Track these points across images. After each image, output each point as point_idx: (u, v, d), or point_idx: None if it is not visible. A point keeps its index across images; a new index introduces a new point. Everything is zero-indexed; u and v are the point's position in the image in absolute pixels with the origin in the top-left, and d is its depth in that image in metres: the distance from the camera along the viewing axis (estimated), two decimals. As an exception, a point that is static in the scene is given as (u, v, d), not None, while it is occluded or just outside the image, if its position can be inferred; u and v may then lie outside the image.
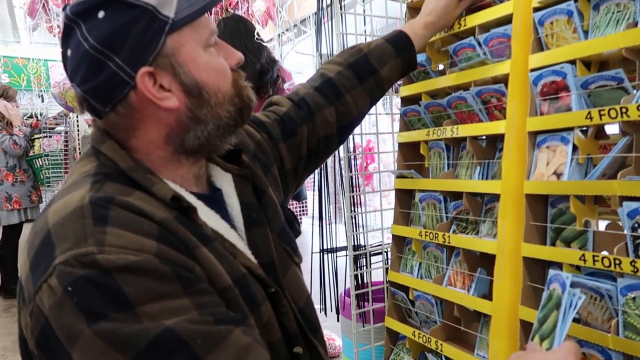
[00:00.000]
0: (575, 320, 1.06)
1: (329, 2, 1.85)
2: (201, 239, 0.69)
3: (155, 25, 0.68)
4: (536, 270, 1.16)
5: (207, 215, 0.75)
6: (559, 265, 1.13)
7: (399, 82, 1.78)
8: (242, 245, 0.78)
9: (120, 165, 0.72)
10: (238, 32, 1.85)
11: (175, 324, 0.58)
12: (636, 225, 0.95)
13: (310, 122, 1.05)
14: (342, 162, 1.82)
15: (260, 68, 1.90)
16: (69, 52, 0.70)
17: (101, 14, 0.67)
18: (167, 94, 0.71)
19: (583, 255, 1.01)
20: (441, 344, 1.37)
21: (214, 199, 0.81)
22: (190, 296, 0.61)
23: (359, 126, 2.11)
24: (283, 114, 1.04)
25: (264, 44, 1.94)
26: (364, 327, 1.73)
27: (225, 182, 0.85)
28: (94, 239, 0.60)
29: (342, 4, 1.72)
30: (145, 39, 0.68)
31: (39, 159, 4.32)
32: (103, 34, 0.67)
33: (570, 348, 0.67)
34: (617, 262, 0.95)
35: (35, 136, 4.40)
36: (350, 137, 1.80)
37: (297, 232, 0.95)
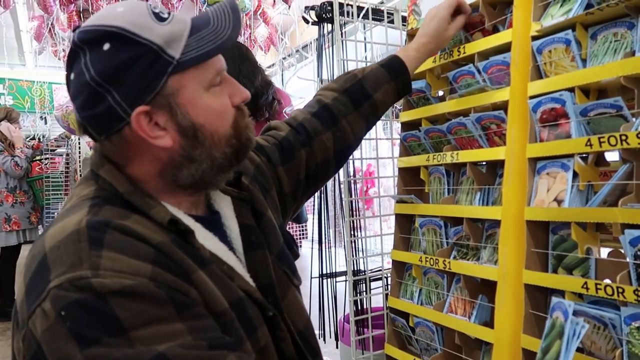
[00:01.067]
0: (578, 349, 1.04)
1: (330, 29, 1.87)
2: (198, 262, 0.69)
3: (158, 65, 0.68)
4: (538, 297, 1.15)
5: (205, 238, 0.75)
6: (561, 293, 1.12)
7: (399, 107, 1.80)
8: (240, 268, 0.77)
9: (118, 189, 0.72)
10: (233, 57, 1.86)
11: (168, 349, 0.58)
12: (639, 253, 0.94)
13: (308, 147, 1.06)
14: (342, 186, 1.82)
15: (255, 92, 1.90)
16: (72, 76, 0.70)
17: (106, 46, 0.67)
18: (161, 133, 0.71)
19: (585, 283, 1.00)
20: (442, 373, 1.34)
21: (213, 222, 0.81)
22: (185, 321, 0.61)
23: (359, 150, 2.12)
24: (282, 139, 1.05)
25: (260, 66, 1.95)
26: (363, 354, 1.70)
27: (224, 205, 0.85)
28: (89, 262, 0.60)
29: (343, 31, 1.74)
30: (147, 78, 0.68)
31: (40, 181, 4.33)
32: (105, 68, 0.67)
33: None
34: (620, 290, 0.94)
35: (37, 157, 4.42)
36: (351, 161, 1.81)
37: (296, 255, 0.95)
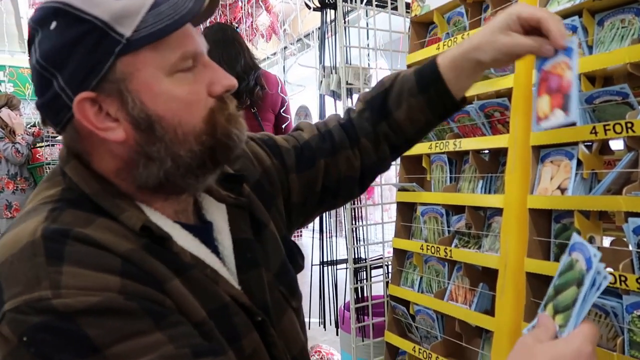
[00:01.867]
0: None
1: (332, 16, 1.86)
2: (175, 269, 0.63)
3: (105, 45, 0.59)
4: (539, 286, 1.15)
5: (186, 240, 0.68)
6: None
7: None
8: (225, 272, 0.70)
9: (84, 189, 0.64)
10: (216, 40, 1.80)
11: None
12: (641, 241, 0.93)
13: (330, 158, 0.92)
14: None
15: (235, 77, 1.87)
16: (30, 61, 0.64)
17: (53, 25, 0.60)
18: (113, 125, 0.63)
19: (587, 271, 1.00)
20: (442, 361, 1.34)
21: (203, 232, 0.72)
22: (164, 330, 0.56)
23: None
24: (304, 142, 0.92)
25: (247, 50, 1.92)
26: (363, 341, 1.71)
27: (217, 215, 0.76)
28: (48, 281, 0.53)
29: (346, 18, 1.73)
30: (91, 60, 0.59)
31: (40, 168, 4.33)
32: (49, 49, 0.60)
33: (587, 334, 0.56)
34: (623, 279, 0.93)
35: (38, 144, 4.41)
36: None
37: (299, 267, 0.87)
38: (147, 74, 0.61)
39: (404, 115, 0.89)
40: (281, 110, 2.18)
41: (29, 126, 4.81)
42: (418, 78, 0.88)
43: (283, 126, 2.22)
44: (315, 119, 4.59)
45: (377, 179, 2.41)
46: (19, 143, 4.06)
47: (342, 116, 0.97)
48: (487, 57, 0.79)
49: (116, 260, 0.57)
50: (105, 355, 0.52)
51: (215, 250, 0.72)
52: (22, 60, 7.82)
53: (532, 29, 0.76)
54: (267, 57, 4.93)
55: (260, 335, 0.70)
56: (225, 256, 0.73)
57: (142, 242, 0.62)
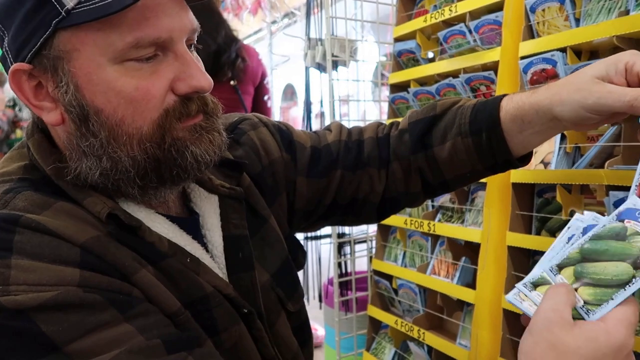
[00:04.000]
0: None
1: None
2: (147, 258, 0.57)
3: (42, 13, 0.51)
4: (520, 259, 1.16)
5: (163, 227, 0.62)
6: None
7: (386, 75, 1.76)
8: (208, 260, 0.65)
9: (44, 168, 0.57)
10: (196, 11, 1.78)
11: (115, 359, 0.48)
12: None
13: (350, 172, 0.79)
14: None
15: (217, 49, 1.81)
16: None
17: None
18: (49, 105, 0.55)
19: (568, 244, 1.01)
20: (424, 333, 1.36)
21: (187, 224, 0.65)
22: (131, 320, 0.51)
23: (346, 113, 2.09)
24: (324, 145, 0.81)
25: (225, 21, 1.88)
26: (346, 315, 1.72)
27: (207, 207, 0.68)
28: None
29: (333, -12, 1.69)
30: (28, 27, 0.52)
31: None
32: (1, 2, 0.54)
33: (632, 322, 0.45)
34: (602, 251, 0.94)
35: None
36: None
37: (300, 266, 0.81)
38: (88, 57, 0.53)
39: (445, 154, 0.75)
40: (264, 82, 2.16)
41: (9, 101, 4.69)
42: (473, 116, 0.72)
43: (265, 98, 2.20)
44: (301, 95, 4.54)
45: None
46: None
47: (383, 128, 0.84)
48: (566, 112, 0.60)
49: (74, 250, 0.52)
50: (65, 352, 0.48)
51: (201, 242, 0.66)
52: None
53: None
54: (255, 32, 4.84)
55: (247, 328, 0.66)
56: (215, 255, 0.67)
57: (109, 228, 0.56)
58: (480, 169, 0.74)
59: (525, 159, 0.73)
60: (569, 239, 0.57)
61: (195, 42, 0.61)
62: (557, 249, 0.57)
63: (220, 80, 1.90)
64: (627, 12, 0.97)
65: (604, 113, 0.58)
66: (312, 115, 2.22)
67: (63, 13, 0.51)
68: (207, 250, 0.67)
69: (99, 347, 0.49)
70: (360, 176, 0.80)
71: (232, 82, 1.97)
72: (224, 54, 1.83)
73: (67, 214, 0.55)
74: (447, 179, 0.78)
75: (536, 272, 0.56)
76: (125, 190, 0.58)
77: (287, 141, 0.80)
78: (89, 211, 0.56)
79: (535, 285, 0.54)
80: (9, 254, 0.49)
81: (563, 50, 1.06)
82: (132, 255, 0.56)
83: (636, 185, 0.54)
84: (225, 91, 1.96)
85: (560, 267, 0.53)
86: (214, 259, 0.67)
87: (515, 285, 0.57)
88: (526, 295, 0.55)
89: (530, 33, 1.15)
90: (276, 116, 4.63)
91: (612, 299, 0.47)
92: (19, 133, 4.31)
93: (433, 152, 0.76)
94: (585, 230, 0.56)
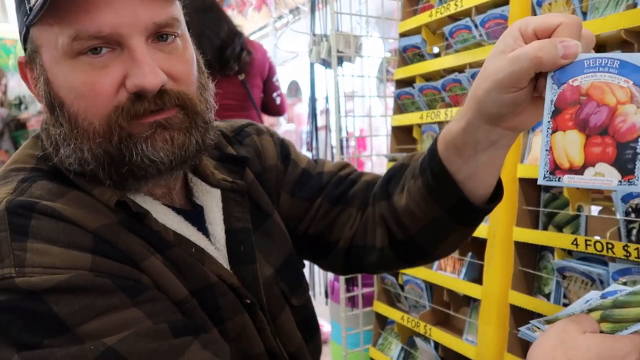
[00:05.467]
0: (564, 305, 1.05)
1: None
2: (155, 246, 0.59)
3: (22, 12, 0.55)
4: (527, 255, 1.15)
5: (168, 218, 0.63)
6: (550, 250, 1.12)
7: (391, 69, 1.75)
8: (213, 251, 0.66)
9: (54, 159, 0.59)
10: (196, 8, 1.74)
11: (120, 343, 0.49)
12: (630, 209, 0.93)
13: (330, 204, 0.77)
14: (334, 150, 1.80)
15: (221, 44, 1.82)
16: None
17: None
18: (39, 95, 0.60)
19: (575, 239, 1.00)
20: (430, 329, 1.36)
21: (191, 216, 0.66)
22: (140, 305, 0.52)
23: (351, 108, 2.08)
24: (317, 172, 0.80)
25: (227, 17, 1.88)
26: (352, 311, 1.72)
27: (210, 201, 0.69)
28: (11, 258, 0.50)
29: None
30: (19, 24, 0.57)
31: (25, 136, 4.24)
32: None
33: (637, 341, 0.48)
34: (610, 246, 0.94)
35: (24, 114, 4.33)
36: (344, 121, 1.78)
37: (302, 264, 0.82)
38: (48, 52, 0.55)
39: (403, 201, 0.69)
40: (272, 79, 2.15)
41: (14, 98, 4.71)
42: (424, 156, 0.66)
43: (274, 95, 2.19)
44: (305, 91, 4.53)
45: (367, 150, 2.38)
46: None
47: (376, 176, 0.81)
48: (489, 106, 0.53)
49: (87, 236, 0.54)
50: (76, 333, 0.49)
51: (206, 234, 0.67)
52: (4, 31, 7.61)
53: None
54: (259, 29, 4.84)
55: (251, 319, 0.66)
56: (218, 248, 0.68)
57: (119, 217, 0.58)
58: (440, 216, 0.65)
59: (496, 198, 0.64)
60: (587, 301, 0.58)
61: (180, 32, 0.59)
62: (572, 308, 0.58)
63: (228, 75, 1.89)
64: (634, 5, 0.96)
65: (520, 82, 0.51)
66: (317, 112, 2.22)
67: (27, 10, 0.54)
68: (211, 242, 0.68)
69: (108, 329, 0.50)
70: (338, 212, 0.77)
71: (240, 77, 1.96)
72: (228, 48, 1.83)
73: (80, 202, 0.57)
74: (412, 233, 0.70)
75: (552, 316, 0.57)
76: (98, 179, 0.59)
77: (285, 154, 0.81)
78: (99, 200, 0.58)
79: (549, 322, 0.55)
80: (25, 238, 0.51)
81: (570, 44, 1.05)
82: (141, 243, 0.58)
83: None
84: (233, 85, 1.96)
85: (591, 310, 0.54)
86: (217, 251, 0.68)
87: (530, 321, 0.58)
88: (539, 329, 0.56)
89: (537, 27, 1.14)
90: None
91: (627, 329, 0.49)
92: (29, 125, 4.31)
93: (393, 200, 0.71)
94: (603, 296, 0.57)
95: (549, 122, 0.50)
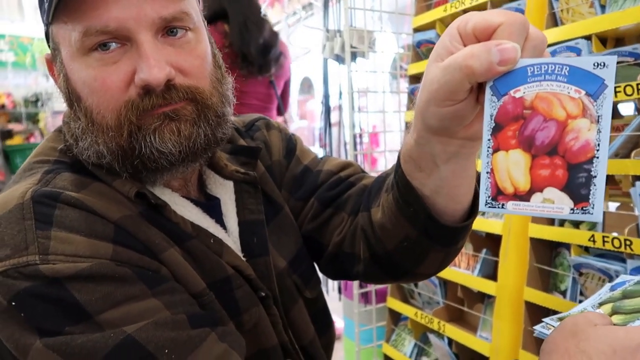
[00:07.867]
0: (580, 302, 1.04)
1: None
2: (174, 238, 0.60)
3: (44, 9, 0.57)
4: (543, 251, 1.14)
5: (186, 209, 0.64)
6: (567, 247, 1.11)
7: (405, 66, 1.74)
8: (230, 242, 0.66)
9: (74, 151, 0.61)
10: (234, 5, 1.63)
11: (139, 331, 0.50)
12: (648, 205, 0.92)
13: (322, 206, 0.75)
14: (347, 146, 1.79)
15: (264, 43, 1.70)
16: None
17: None
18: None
19: (592, 236, 0.99)
20: (444, 325, 1.35)
21: (208, 208, 0.67)
22: (159, 295, 0.53)
23: (364, 104, 2.08)
24: (317, 170, 0.78)
25: (265, 15, 1.82)
26: (365, 307, 1.72)
27: (223, 193, 0.70)
28: (35, 245, 0.51)
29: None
30: (43, 21, 0.59)
31: (20, 154, 4.12)
32: None
33: None
34: (628, 242, 0.93)
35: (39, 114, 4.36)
36: (357, 117, 1.77)
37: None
38: (65, 49, 0.57)
39: (379, 215, 0.65)
40: (290, 80, 2.10)
41: (30, 95, 4.77)
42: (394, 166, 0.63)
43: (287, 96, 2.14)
44: (318, 90, 4.53)
45: (381, 146, 2.37)
46: None
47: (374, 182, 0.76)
48: (430, 119, 0.48)
49: (109, 227, 0.55)
50: (96, 321, 0.50)
51: (222, 225, 0.67)
52: (21, 28, 7.71)
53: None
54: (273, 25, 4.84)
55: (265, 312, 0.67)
56: (232, 241, 0.68)
57: (139, 208, 0.59)
58: (413, 234, 0.62)
59: (470, 216, 0.60)
60: (599, 296, 0.58)
61: (192, 26, 0.58)
62: (585, 305, 0.57)
63: (264, 76, 1.79)
64: (655, -2, 0.95)
65: (456, 94, 0.44)
66: (330, 108, 2.21)
67: (46, 9, 0.56)
68: (228, 234, 0.69)
69: (127, 318, 0.51)
70: (329, 215, 0.74)
71: (270, 78, 1.87)
72: (272, 49, 1.71)
73: (102, 193, 0.58)
74: (390, 250, 0.66)
75: (564, 314, 0.56)
76: (118, 172, 0.59)
77: (289, 149, 0.80)
78: (119, 192, 0.59)
79: (562, 319, 0.54)
80: (49, 227, 0.53)
81: (588, 38, 1.03)
82: (160, 234, 0.59)
83: None
84: (264, 86, 1.88)
85: (602, 304, 0.52)
86: (233, 243, 0.69)
87: (543, 319, 0.57)
88: (553, 327, 0.55)
89: (554, 21, 1.13)
90: (293, 109, 4.62)
91: (638, 320, 0.47)
92: (16, 139, 4.27)
93: (371, 213, 0.68)
94: (613, 288, 0.56)
95: (489, 140, 0.43)
